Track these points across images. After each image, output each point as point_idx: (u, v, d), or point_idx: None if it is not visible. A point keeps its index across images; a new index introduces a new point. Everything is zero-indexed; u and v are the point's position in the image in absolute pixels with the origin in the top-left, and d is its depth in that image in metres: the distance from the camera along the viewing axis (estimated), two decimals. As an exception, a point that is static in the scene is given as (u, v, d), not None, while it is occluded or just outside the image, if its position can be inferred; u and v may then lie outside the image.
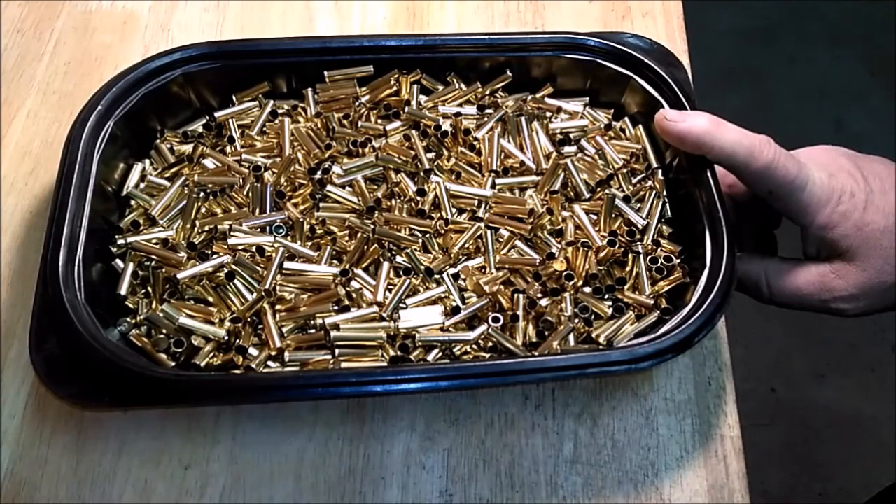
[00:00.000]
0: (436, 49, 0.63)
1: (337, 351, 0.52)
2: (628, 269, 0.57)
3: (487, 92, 0.65)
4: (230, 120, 0.63)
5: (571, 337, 0.54)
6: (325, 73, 0.63)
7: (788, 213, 0.55)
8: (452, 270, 0.56)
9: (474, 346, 0.54)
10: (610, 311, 0.55)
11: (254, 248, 0.55)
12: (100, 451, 0.53)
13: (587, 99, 0.66)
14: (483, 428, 0.55)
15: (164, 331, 0.53)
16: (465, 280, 0.56)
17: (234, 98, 0.64)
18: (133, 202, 0.59)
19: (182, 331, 0.52)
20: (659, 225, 0.60)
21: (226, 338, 0.53)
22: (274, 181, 0.59)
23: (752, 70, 1.85)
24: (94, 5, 0.73)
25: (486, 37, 0.63)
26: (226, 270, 0.54)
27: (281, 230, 0.57)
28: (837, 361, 1.50)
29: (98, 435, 0.53)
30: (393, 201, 0.59)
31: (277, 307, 0.54)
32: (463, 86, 0.65)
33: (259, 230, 0.57)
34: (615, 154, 0.62)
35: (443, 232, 0.58)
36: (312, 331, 0.53)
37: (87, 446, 0.53)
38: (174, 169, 0.61)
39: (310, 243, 0.57)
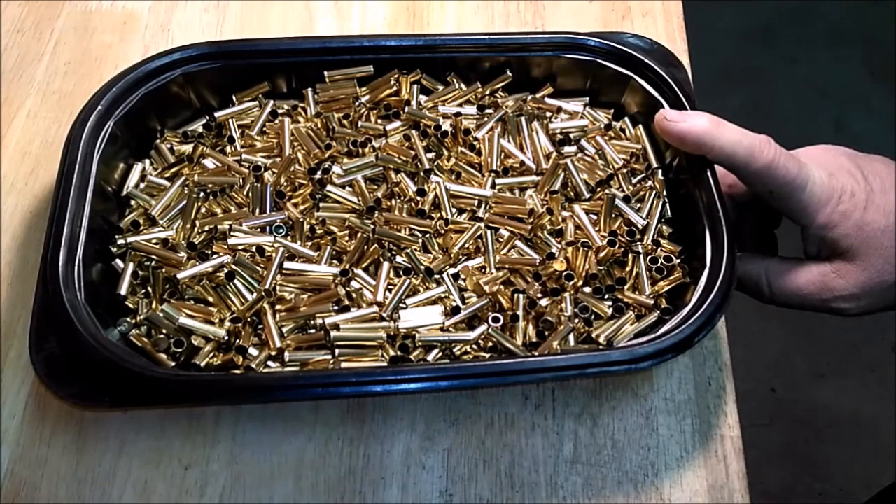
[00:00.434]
0: (436, 49, 0.63)
1: (337, 351, 0.52)
2: (628, 269, 0.57)
3: (487, 92, 0.65)
4: (230, 120, 0.63)
5: (571, 337, 0.54)
6: (325, 73, 0.63)
7: (789, 213, 0.55)
8: (452, 270, 0.56)
9: (474, 346, 0.54)
10: (610, 311, 0.55)
11: (254, 248, 0.55)
12: (100, 452, 0.53)
13: (587, 99, 0.66)
14: (483, 428, 0.55)
15: (164, 331, 0.53)
16: (465, 280, 0.56)
17: (234, 98, 0.64)
18: (133, 202, 0.59)
19: (182, 331, 0.52)
20: (659, 225, 0.60)
21: (226, 338, 0.53)
22: (274, 181, 0.59)
23: (752, 70, 1.85)
24: (94, 5, 0.73)
25: (486, 37, 0.63)
26: (226, 270, 0.54)
27: (281, 230, 0.57)
28: (837, 361, 1.50)
29: (98, 435, 0.53)
30: (393, 201, 0.59)
31: (277, 307, 0.54)
32: (463, 86, 0.65)
33: (259, 230, 0.57)
34: (615, 154, 0.62)
35: (443, 232, 0.58)
36: (312, 331, 0.53)
37: (87, 446, 0.53)
38: (174, 169, 0.61)
39: (310, 243, 0.57)
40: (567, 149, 0.62)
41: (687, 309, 0.52)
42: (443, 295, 0.55)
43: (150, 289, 0.55)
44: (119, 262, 0.56)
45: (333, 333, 0.52)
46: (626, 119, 0.65)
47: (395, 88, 0.63)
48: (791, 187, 0.53)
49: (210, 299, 0.54)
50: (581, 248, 0.56)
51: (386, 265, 0.55)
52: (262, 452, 0.53)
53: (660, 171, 0.62)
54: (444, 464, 0.54)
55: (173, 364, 0.52)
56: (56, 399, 0.54)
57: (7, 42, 0.70)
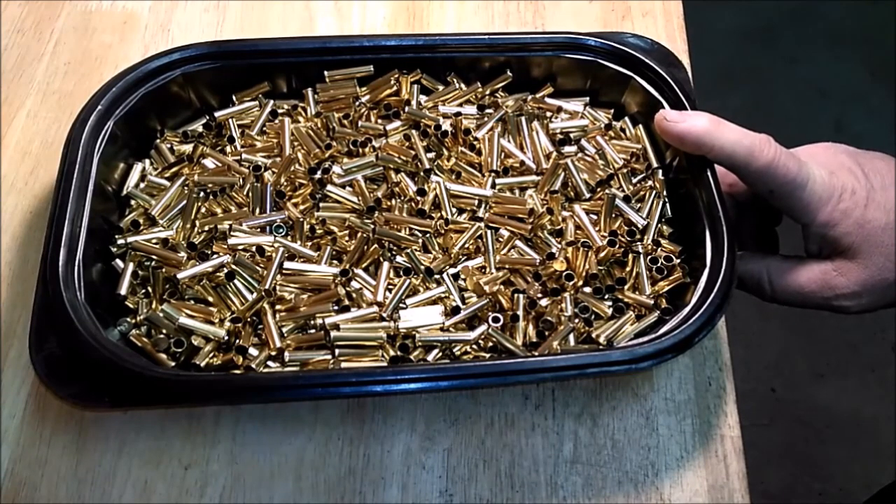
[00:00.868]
0: (436, 49, 0.63)
1: (337, 351, 0.52)
2: (628, 269, 0.57)
3: (487, 92, 0.65)
4: (230, 120, 0.63)
5: (571, 337, 0.54)
6: (325, 73, 0.63)
7: (789, 212, 0.55)
8: (452, 270, 0.56)
9: (474, 346, 0.54)
10: (610, 311, 0.55)
11: (254, 248, 0.55)
12: (100, 452, 0.53)
13: (587, 99, 0.66)
14: (483, 428, 0.55)
15: (164, 331, 0.53)
16: (465, 280, 0.56)
17: (234, 98, 0.64)
18: (133, 202, 0.59)
19: (182, 331, 0.52)
20: (659, 225, 0.60)
21: (226, 338, 0.53)
22: (274, 181, 0.59)
23: (752, 70, 1.85)
24: (94, 5, 0.73)
25: (486, 37, 0.63)
26: (226, 270, 0.54)
27: (281, 230, 0.57)
28: (837, 361, 1.50)
29: (98, 435, 0.53)
30: (393, 201, 0.59)
31: (277, 307, 0.54)
32: (463, 86, 0.65)
33: (259, 230, 0.57)
34: (615, 154, 0.62)
35: (443, 232, 0.58)
36: (312, 331, 0.53)
37: (87, 446, 0.53)
38: (174, 169, 0.61)
39: (310, 243, 0.57)
40: (567, 149, 0.62)
41: (687, 309, 0.52)
42: (443, 295, 0.55)
43: (150, 289, 0.55)
44: (119, 262, 0.56)
45: (333, 333, 0.52)
46: (627, 119, 0.65)
47: (395, 88, 0.63)
48: (791, 186, 0.53)
49: (210, 299, 0.54)
50: (581, 248, 0.56)
51: (386, 265, 0.55)
52: (262, 452, 0.53)
53: (660, 171, 0.62)
54: (444, 464, 0.54)
55: (173, 364, 0.52)
56: (56, 399, 0.54)
57: (7, 42, 0.70)
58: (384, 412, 0.55)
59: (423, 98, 0.64)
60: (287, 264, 0.55)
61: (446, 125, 0.61)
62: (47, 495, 0.51)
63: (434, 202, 0.58)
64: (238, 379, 0.50)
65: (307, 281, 0.55)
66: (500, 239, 0.58)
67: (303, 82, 0.64)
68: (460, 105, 0.64)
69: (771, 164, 0.52)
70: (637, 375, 0.57)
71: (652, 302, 0.56)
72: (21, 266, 0.59)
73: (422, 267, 0.55)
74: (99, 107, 0.57)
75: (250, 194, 0.58)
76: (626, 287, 0.56)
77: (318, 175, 0.59)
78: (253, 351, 0.52)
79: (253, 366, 0.52)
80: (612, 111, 0.65)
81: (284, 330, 0.53)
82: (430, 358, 0.53)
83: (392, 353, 0.53)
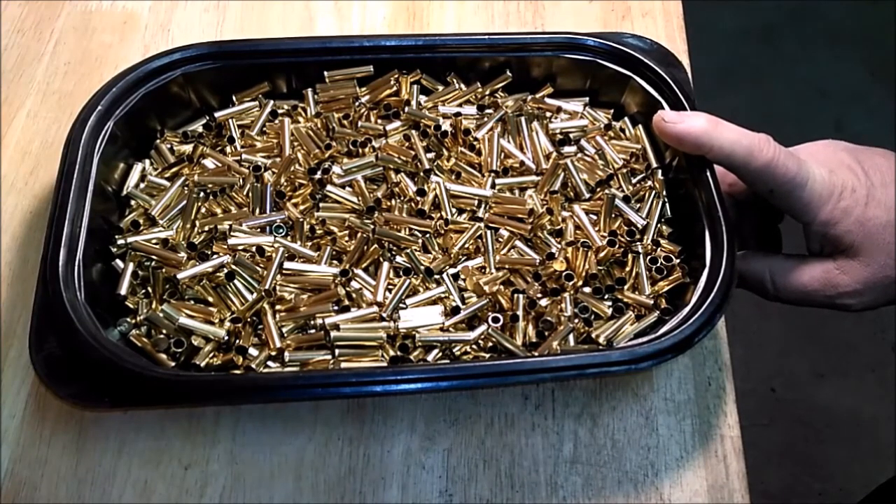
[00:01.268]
0: (436, 49, 0.63)
1: (337, 351, 0.52)
2: (628, 269, 0.57)
3: (487, 92, 0.65)
4: (230, 120, 0.63)
5: (571, 337, 0.54)
6: (325, 73, 0.63)
7: (790, 211, 0.55)
8: (452, 270, 0.56)
9: (474, 346, 0.54)
10: (610, 311, 0.55)
11: (254, 248, 0.55)
12: (100, 452, 0.53)
13: (587, 99, 0.66)
14: (483, 428, 0.55)
15: (164, 331, 0.53)
16: (465, 280, 0.56)
17: (234, 98, 0.64)
18: (133, 202, 0.59)
19: (182, 331, 0.52)
20: (659, 225, 0.60)
21: (226, 338, 0.53)
22: (274, 181, 0.59)
23: (752, 70, 1.85)
24: (94, 5, 0.73)
25: (486, 37, 0.63)
26: (226, 270, 0.54)
27: (281, 230, 0.57)
28: (837, 361, 1.50)
29: (98, 435, 0.53)
30: (393, 201, 0.59)
31: (277, 307, 0.54)
32: (463, 86, 0.65)
33: (259, 230, 0.57)
34: (615, 154, 0.62)
35: (443, 232, 0.58)
36: (312, 331, 0.53)
37: (87, 446, 0.53)
38: (174, 169, 0.61)
39: (310, 243, 0.57)
40: (567, 149, 0.62)
41: (687, 309, 0.52)
42: (443, 295, 0.55)
43: (150, 289, 0.55)
44: (119, 262, 0.56)
45: (333, 333, 0.52)
46: (626, 119, 0.65)
47: (395, 88, 0.63)
48: (791, 185, 0.53)
49: (210, 299, 0.54)
50: (581, 248, 0.56)
51: (386, 265, 0.55)
52: (262, 452, 0.53)
53: (659, 171, 0.62)
54: (444, 464, 0.54)
55: (173, 364, 0.52)
56: (56, 399, 0.54)
57: (7, 42, 0.70)
58: (384, 412, 0.55)
59: (422, 98, 0.64)
60: (287, 264, 0.55)
61: (446, 125, 0.61)
62: (47, 495, 0.51)
63: (434, 202, 0.58)
64: (238, 379, 0.50)
65: (307, 281, 0.55)
66: (500, 239, 0.58)
67: (303, 82, 0.64)
68: (460, 105, 0.64)
69: (770, 163, 0.52)
70: (637, 375, 0.57)
71: (652, 302, 0.56)
72: (21, 266, 0.59)
73: (422, 267, 0.55)
74: (99, 107, 0.57)
75: (250, 194, 0.58)
76: (625, 287, 0.56)
77: (318, 175, 0.59)
78: (253, 351, 0.52)
79: (253, 366, 0.52)
80: (611, 111, 0.65)
81: (284, 330, 0.53)
82: (430, 358, 0.53)
83: (392, 353, 0.53)
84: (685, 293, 0.55)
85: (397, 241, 0.56)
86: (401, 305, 0.54)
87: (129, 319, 0.54)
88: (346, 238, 0.57)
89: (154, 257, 0.55)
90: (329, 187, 0.58)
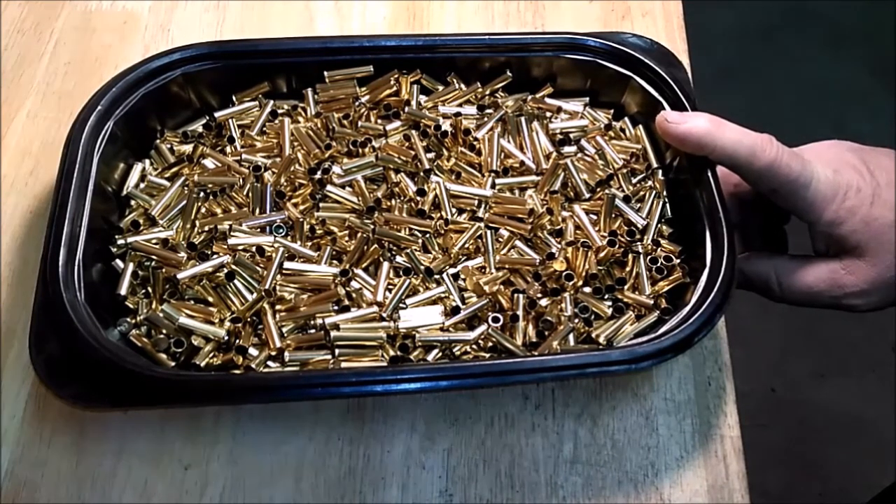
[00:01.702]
0: (436, 49, 0.63)
1: (337, 351, 0.52)
2: (628, 269, 0.57)
3: (487, 92, 0.65)
4: (230, 120, 0.63)
5: (571, 337, 0.54)
6: (325, 73, 0.63)
7: (794, 211, 0.55)
8: (452, 270, 0.56)
9: (474, 346, 0.54)
10: (610, 311, 0.55)
11: (254, 248, 0.55)
12: (100, 452, 0.53)
13: (587, 99, 0.66)
14: (483, 428, 0.55)
15: (164, 331, 0.53)
16: (465, 280, 0.56)
17: (234, 98, 0.64)
18: (133, 202, 0.59)
19: (182, 331, 0.52)
20: (659, 225, 0.60)
21: (226, 338, 0.53)
22: (274, 181, 0.59)
23: (752, 70, 1.85)
24: (94, 5, 0.73)
25: (486, 37, 0.63)
26: (226, 270, 0.54)
27: (281, 230, 0.57)
28: (837, 361, 1.50)
29: (98, 435, 0.53)
30: (393, 201, 0.59)
31: (277, 307, 0.54)
32: (463, 86, 0.65)
33: (259, 230, 0.57)
34: (615, 154, 0.62)
35: (443, 232, 0.58)
36: (312, 331, 0.53)
37: (87, 446, 0.53)
38: (174, 169, 0.61)
39: (310, 243, 0.57)
40: (567, 149, 0.62)
41: (687, 309, 0.52)
42: (443, 295, 0.55)
43: (150, 289, 0.55)
44: (119, 262, 0.56)
45: (333, 333, 0.52)
46: (626, 119, 0.65)
47: (395, 88, 0.63)
48: (794, 185, 0.53)
49: (210, 299, 0.54)
50: (581, 248, 0.56)
51: (386, 265, 0.55)
52: (262, 452, 0.53)
53: (660, 172, 0.62)
54: (444, 464, 0.54)
55: (173, 364, 0.52)
56: (56, 399, 0.54)
57: (7, 42, 0.70)
58: (384, 412, 0.55)
59: (422, 98, 0.64)
60: (287, 264, 0.55)
61: (446, 125, 0.61)
62: (47, 496, 0.51)
63: (434, 202, 0.58)
64: (238, 379, 0.50)
65: (307, 281, 0.55)
66: (500, 239, 0.58)
67: (303, 82, 0.64)
68: (460, 105, 0.64)
69: (773, 163, 0.52)
70: (637, 375, 0.57)
71: (652, 302, 0.56)
72: (21, 266, 0.59)
73: (422, 267, 0.55)
74: (99, 107, 0.57)
75: (250, 194, 0.58)
76: (625, 287, 0.56)
77: (318, 175, 0.59)
78: (253, 351, 0.52)
79: (253, 366, 0.52)
80: (611, 111, 0.65)
81: (284, 330, 0.53)
82: (429, 358, 0.53)
83: (392, 353, 0.53)
84: (685, 293, 0.55)
85: (397, 241, 0.56)
86: (401, 305, 0.54)
87: (129, 319, 0.54)
88: (346, 238, 0.57)
89: (154, 257, 0.55)
90: (329, 187, 0.58)
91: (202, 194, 0.59)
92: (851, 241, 0.53)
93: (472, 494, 0.53)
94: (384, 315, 0.53)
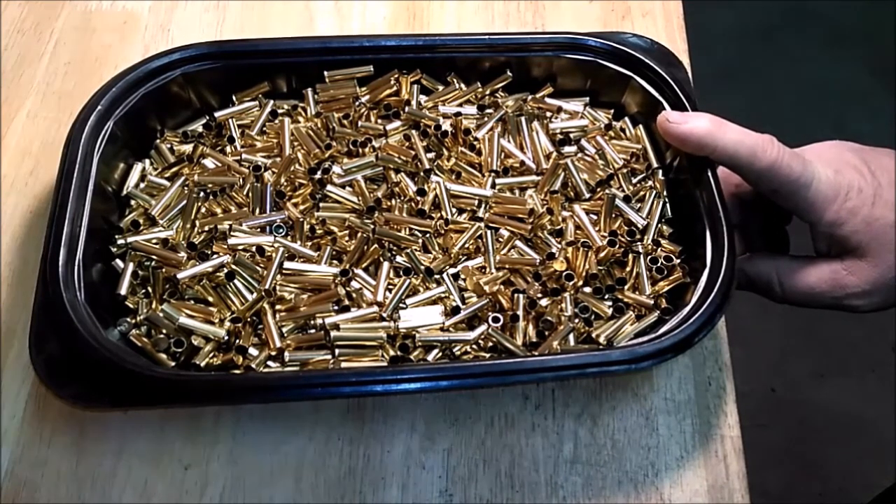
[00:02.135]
0: (436, 49, 0.63)
1: (337, 351, 0.52)
2: (628, 269, 0.57)
3: (487, 92, 0.65)
4: (230, 120, 0.63)
5: (571, 337, 0.54)
6: (325, 73, 0.63)
7: (796, 211, 0.55)
8: (452, 270, 0.56)
9: (474, 346, 0.54)
10: (610, 311, 0.55)
11: (254, 248, 0.55)
12: (100, 452, 0.53)
13: (587, 99, 0.66)
14: (483, 428, 0.55)
15: (164, 331, 0.53)
16: (465, 280, 0.56)
17: (234, 98, 0.64)
18: (133, 202, 0.59)
19: (182, 331, 0.52)
20: (659, 225, 0.60)
21: (226, 338, 0.53)
22: (274, 181, 0.59)
23: (752, 70, 1.85)
24: (94, 5, 0.73)
25: (486, 37, 0.63)
26: (226, 270, 0.54)
27: (281, 230, 0.57)
28: (837, 361, 1.50)
29: (98, 435, 0.53)
30: (393, 201, 0.59)
31: (277, 307, 0.54)
32: (463, 86, 0.65)
33: (259, 230, 0.57)
34: (615, 154, 0.62)
35: (443, 232, 0.58)
36: (312, 331, 0.53)
37: (87, 446, 0.53)
38: (174, 169, 0.61)
39: (310, 243, 0.57)
40: (567, 149, 0.62)
41: (687, 309, 0.52)
42: (443, 295, 0.55)
43: (150, 289, 0.55)
44: (119, 262, 0.56)
45: (333, 333, 0.52)
46: (626, 119, 0.65)
47: (395, 88, 0.63)
48: (795, 186, 0.53)
49: (210, 299, 0.54)
50: (581, 248, 0.56)
51: (386, 265, 0.55)
52: (262, 452, 0.53)
53: (660, 171, 0.62)
54: (444, 464, 0.54)
55: (173, 364, 0.52)
56: (56, 399, 0.54)
57: (7, 42, 0.70)
58: (384, 412, 0.55)
59: (423, 98, 0.64)
60: (287, 264, 0.55)
61: (446, 125, 0.61)
62: (47, 495, 0.51)
63: (434, 202, 0.58)
64: (238, 379, 0.50)
65: (307, 281, 0.55)
66: (500, 239, 0.58)
67: (303, 82, 0.64)
68: (460, 105, 0.64)
69: (774, 164, 0.52)
70: (637, 375, 0.57)
71: (652, 302, 0.55)
72: (21, 266, 0.59)
73: (422, 267, 0.55)
74: (99, 107, 0.57)
75: (250, 194, 0.58)
76: (626, 287, 0.56)
77: (318, 175, 0.59)
78: (253, 351, 0.52)
79: (253, 366, 0.52)
80: (612, 111, 0.65)
81: (284, 330, 0.53)
82: (430, 358, 0.53)
83: (392, 353, 0.53)
84: (685, 293, 0.55)
85: (397, 240, 0.56)
86: (401, 305, 0.54)
87: (129, 319, 0.54)
88: (346, 238, 0.57)
89: (154, 257, 0.55)
90: (329, 187, 0.58)
91: (202, 194, 0.59)
92: (853, 242, 0.53)
93: (472, 494, 0.53)
94: (384, 315, 0.53)
